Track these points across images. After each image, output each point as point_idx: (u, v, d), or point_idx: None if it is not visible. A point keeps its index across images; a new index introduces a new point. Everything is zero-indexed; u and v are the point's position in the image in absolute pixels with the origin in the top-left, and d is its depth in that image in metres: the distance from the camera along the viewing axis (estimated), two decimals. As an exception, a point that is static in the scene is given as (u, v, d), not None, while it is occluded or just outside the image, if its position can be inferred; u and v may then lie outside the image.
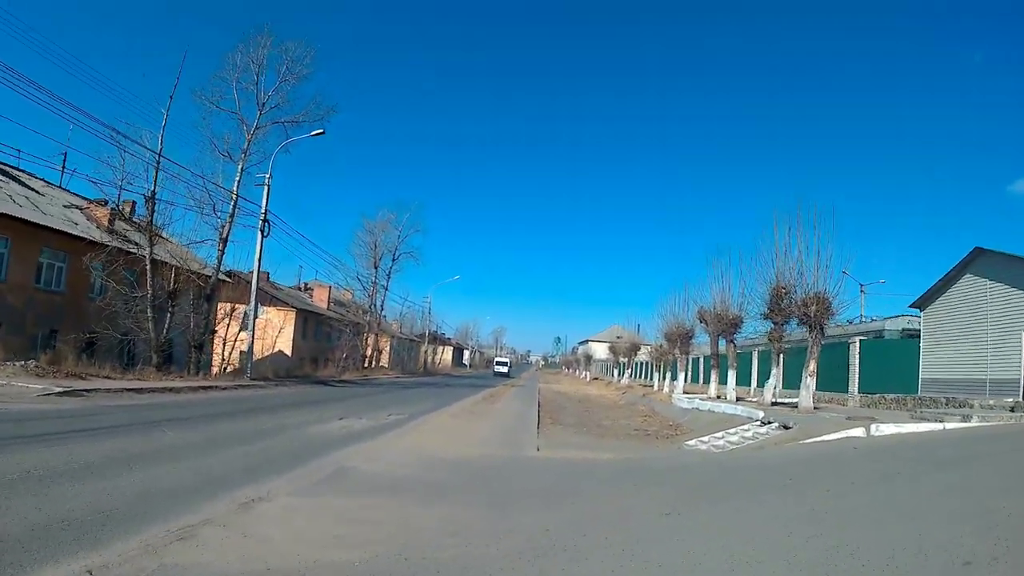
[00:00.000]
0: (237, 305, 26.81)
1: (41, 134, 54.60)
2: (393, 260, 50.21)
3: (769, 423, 12.31)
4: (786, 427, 11.39)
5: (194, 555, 4.11)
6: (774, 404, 15.89)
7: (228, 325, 26.77)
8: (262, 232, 24.27)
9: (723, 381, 21.14)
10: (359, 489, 6.51)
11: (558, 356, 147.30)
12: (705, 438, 12.37)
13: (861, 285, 37.43)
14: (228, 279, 27.22)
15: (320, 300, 49.12)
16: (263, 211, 24.27)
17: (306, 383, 26.22)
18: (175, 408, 12.54)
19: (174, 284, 21.37)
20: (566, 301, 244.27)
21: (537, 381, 52.63)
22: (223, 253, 23.66)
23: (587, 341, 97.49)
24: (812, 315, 14.39)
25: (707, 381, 24.48)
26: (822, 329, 14.78)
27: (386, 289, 50.62)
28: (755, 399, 19.59)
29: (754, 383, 23.33)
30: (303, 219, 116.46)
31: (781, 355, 16.78)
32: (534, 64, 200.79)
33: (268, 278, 41.99)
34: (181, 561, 3.98)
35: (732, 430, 12.57)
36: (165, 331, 20.98)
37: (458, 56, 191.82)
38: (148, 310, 20.25)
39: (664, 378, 31.92)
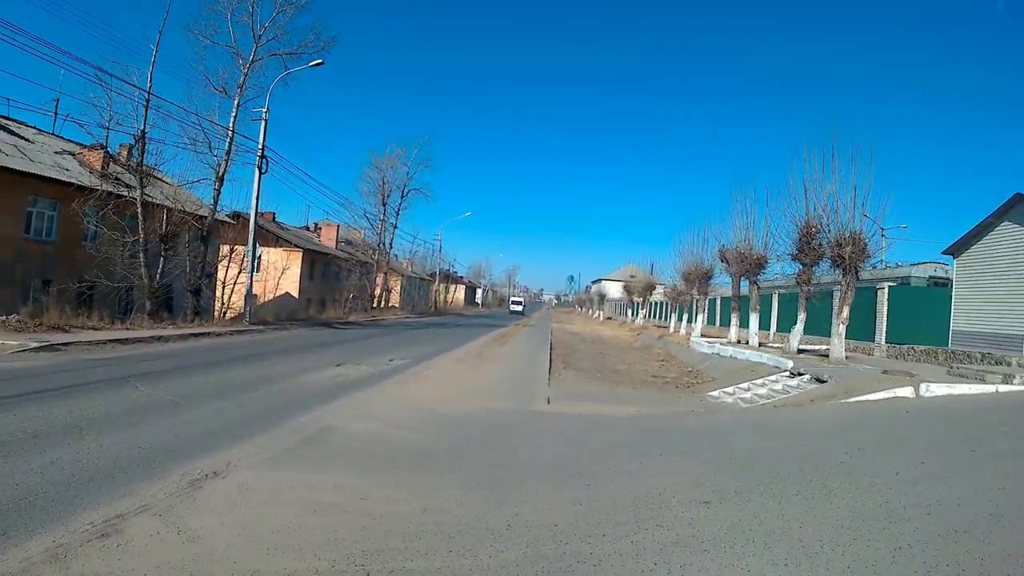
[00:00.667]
0: (237, 247, 25.78)
1: (34, 82, 52.55)
2: (402, 197, 48.93)
3: (800, 374, 11.29)
4: (820, 380, 10.35)
5: (109, 561, 3.29)
6: (800, 352, 14.89)
7: (227, 268, 25.80)
8: (259, 169, 23.20)
9: (744, 325, 20.12)
10: (336, 458, 5.61)
11: (571, 295, 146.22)
12: (729, 389, 11.42)
13: (882, 229, 35.71)
14: (231, 220, 26.19)
15: (328, 240, 48.03)
16: (260, 147, 23.13)
17: (308, 326, 25.39)
18: (157, 360, 11.68)
19: (166, 226, 20.38)
20: (581, 239, 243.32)
21: (550, 321, 51.77)
22: (219, 192, 22.65)
23: (601, 280, 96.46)
24: (847, 256, 13.19)
25: (725, 324, 23.44)
26: (856, 272, 13.60)
27: (395, 227, 49.56)
28: (777, 345, 18.59)
29: (774, 327, 22.28)
30: (312, 159, 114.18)
31: (808, 299, 15.67)
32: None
33: (274, 219, 40.87)
34: (89, 571, 3.18)
35: (759, 381, 11.60)
36: (159, 276, 20.14)
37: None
38: (140, 255, 19.40)
39: (681, 319, 30.94)
